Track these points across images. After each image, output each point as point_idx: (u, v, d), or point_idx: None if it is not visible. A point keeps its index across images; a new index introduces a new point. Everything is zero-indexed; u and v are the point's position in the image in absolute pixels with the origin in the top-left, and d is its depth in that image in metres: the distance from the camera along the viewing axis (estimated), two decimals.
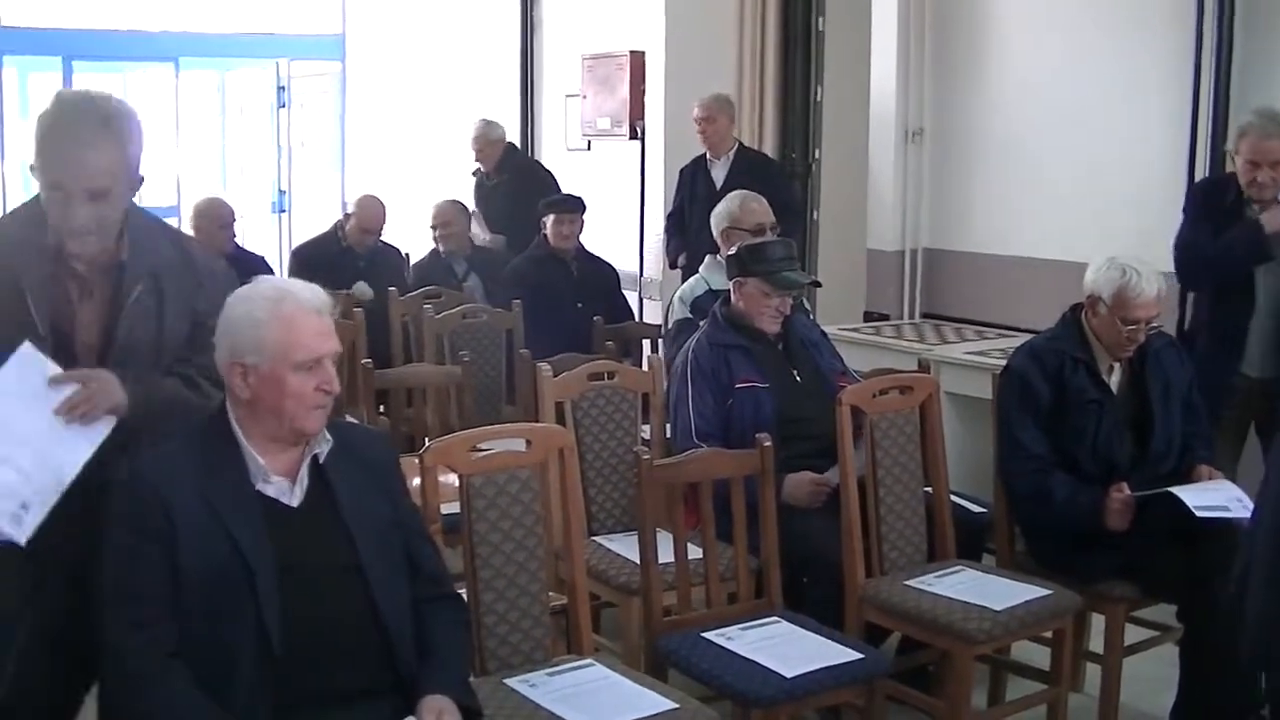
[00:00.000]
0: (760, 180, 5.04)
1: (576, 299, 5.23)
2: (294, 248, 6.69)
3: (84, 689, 2.47)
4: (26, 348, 2.29)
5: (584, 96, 6.73)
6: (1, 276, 2.32)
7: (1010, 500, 3.50)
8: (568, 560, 2.85)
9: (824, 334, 3.91)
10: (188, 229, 5.24)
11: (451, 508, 2.67)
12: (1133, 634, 3.30)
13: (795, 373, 3.55)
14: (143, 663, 2.12)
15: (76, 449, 2.29)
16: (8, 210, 2.73)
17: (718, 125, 5.71)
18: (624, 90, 6.46)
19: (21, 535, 2.25)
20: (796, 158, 6.34)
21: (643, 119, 6.47)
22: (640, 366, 4.17)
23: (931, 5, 5.36)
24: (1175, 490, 3.13)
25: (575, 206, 5.30)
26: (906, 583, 3.20)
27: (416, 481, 2.59)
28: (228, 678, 2.11)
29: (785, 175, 6.14)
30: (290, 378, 2.16)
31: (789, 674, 2.71)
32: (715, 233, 4.23)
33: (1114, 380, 3.32)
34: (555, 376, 3.56)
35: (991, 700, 3.40)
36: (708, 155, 5.59)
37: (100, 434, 2.29)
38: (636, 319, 5.64)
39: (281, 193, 9.64)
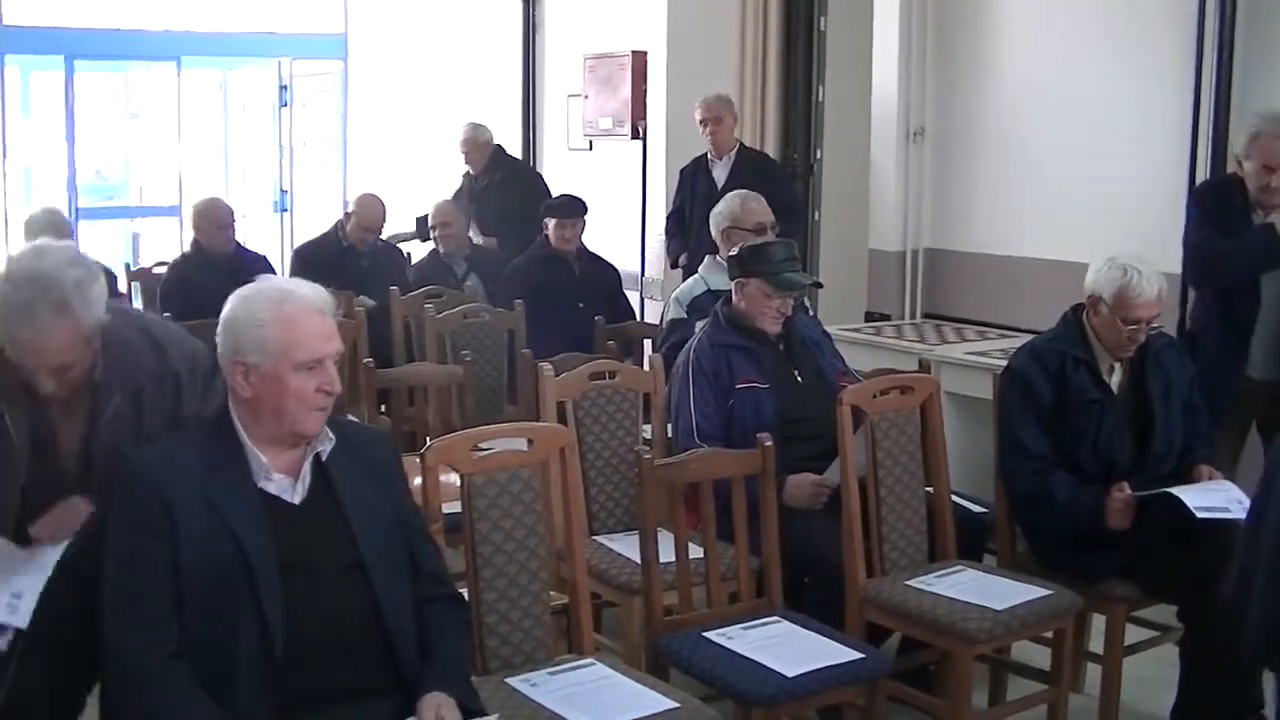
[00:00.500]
0: (761, 180, 5.04)
1: (578, 299, 5.20)
2: (295, 247, 6.78)
3: (85, 690, 2.47)
4: None
5: (586, 96, 6.73)
6: None
7: (1011, 500, 3.51)
8: (569, 560, 2.85)
9: (826, 334, 3.92)
10: (188, 229, 5.25)
11: (453, 507, 2.68)
12: (1133, 634, 3.31)
13: (796, 373, 3.55)
14: (144, 662, 2.11)
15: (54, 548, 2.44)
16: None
17: (723, 125, 5.69)
18: (626, 90, 6.46)
19: (23, 621, 2.34)
20: (798, 158, 6.34)
21: (644, 119, 6.47)
22: (641, 366, 4.17)
23: (933, 5, 5.36)
24: (1175, 491, 3.13)
25: (577, 210, 5.29)
26: (907, 583, 3.20)
27: (418, 481, 2.60)
28: (229, 677, 2.11)
29: (786, 175, 6.14)
30: (291, 378, 2.17)
31: (790, 673, 2.71)
32: (715, 232, 4.23)
33: (1115, 380, 3.33)
34: (557, 376, 3.56)
35: (992, 700, 3.40)
36: (709, 155, 5.59)
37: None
38: (638, 319, 5.64)
39: (283, 192, 9.65)
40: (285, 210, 9.26)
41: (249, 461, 2.17)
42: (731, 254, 3.74)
